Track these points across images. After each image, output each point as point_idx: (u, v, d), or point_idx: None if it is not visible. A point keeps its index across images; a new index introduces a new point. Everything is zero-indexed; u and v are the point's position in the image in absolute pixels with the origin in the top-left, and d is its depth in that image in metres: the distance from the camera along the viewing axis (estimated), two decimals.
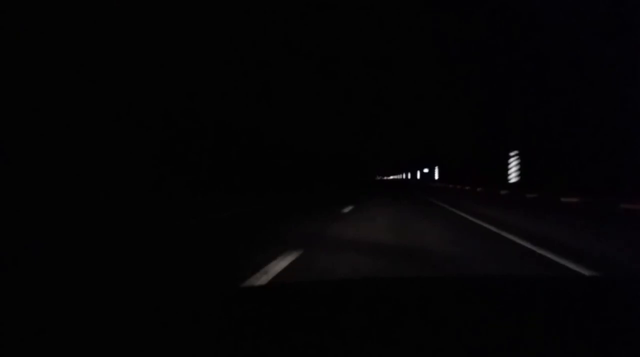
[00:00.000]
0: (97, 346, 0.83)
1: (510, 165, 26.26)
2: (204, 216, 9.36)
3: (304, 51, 32.22)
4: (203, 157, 21.54)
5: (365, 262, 4.27)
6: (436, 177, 64.99)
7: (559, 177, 19.73)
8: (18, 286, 3.50)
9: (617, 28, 14.66)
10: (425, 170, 78.87)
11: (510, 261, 4.59)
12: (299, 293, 1.29)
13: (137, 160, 15.80)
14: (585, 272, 3.97)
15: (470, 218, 9.24)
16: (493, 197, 19.63)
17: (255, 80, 28.02)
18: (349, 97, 49.29)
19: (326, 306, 1.12)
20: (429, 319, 1.00)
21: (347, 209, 11.20)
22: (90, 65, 13.27)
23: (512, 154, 26.25)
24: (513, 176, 25.90)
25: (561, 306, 1.12)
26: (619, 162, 15.83)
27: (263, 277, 3.65)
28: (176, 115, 18.89)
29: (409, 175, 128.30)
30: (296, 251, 4.81)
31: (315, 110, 43.45)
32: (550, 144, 21.47)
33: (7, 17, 10.46)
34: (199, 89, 21.00)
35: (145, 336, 0.88)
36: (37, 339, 0.86)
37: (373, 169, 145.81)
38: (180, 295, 1.41)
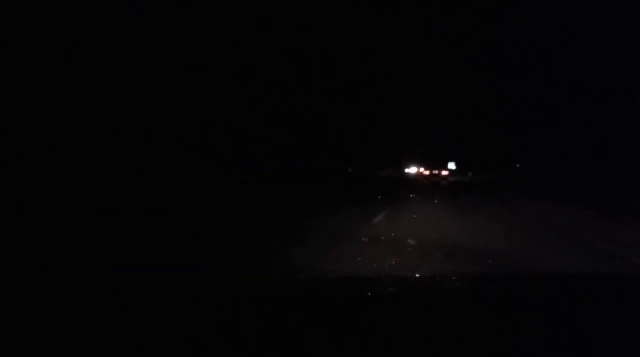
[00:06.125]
0: (98, 345, 0.83)
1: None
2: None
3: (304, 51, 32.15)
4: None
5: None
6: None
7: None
8: (18, 286, 3.49)
9: (617, 28, 14.67)
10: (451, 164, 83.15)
11: None
12: (301, 292, 1.28)
13: (137, 160, 15.74)
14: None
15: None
16: None
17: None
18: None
19: (326, 305, 1.12)
20: (431, 318, 1.00)
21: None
22: (91, 65, 13.25)
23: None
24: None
25: (561, 305, 1.12)
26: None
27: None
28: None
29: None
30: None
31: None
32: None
33: (6, 16, 10.45)
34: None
35: (145, 336, 0.88)
36: (37, 339, 0.86)
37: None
38: (189, 292, 1.41)
